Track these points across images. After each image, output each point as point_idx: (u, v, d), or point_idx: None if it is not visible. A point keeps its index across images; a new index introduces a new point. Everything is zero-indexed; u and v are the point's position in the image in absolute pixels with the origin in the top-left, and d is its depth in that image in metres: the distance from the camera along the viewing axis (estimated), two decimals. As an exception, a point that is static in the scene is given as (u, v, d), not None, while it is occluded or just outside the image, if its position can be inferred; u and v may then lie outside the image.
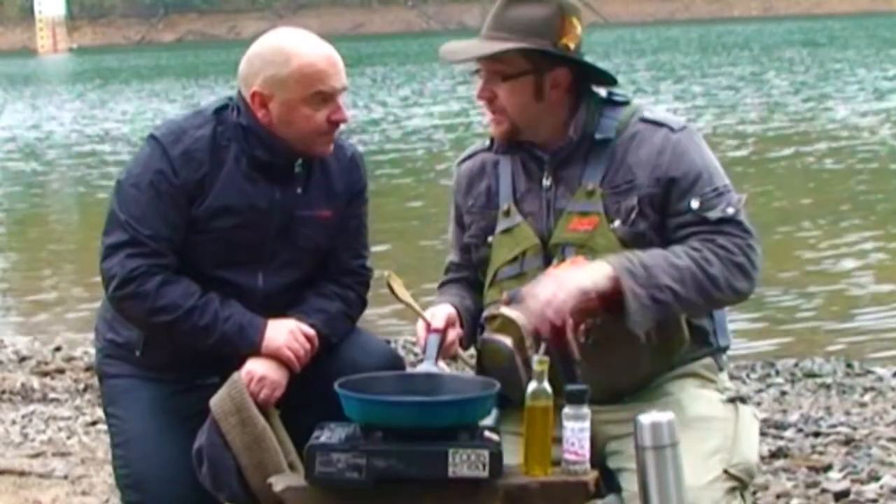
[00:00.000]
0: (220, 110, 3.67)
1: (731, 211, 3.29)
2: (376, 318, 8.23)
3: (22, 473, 5.64)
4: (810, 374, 7.52)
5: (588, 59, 3.42)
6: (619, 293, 3.17)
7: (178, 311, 3.55)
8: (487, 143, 3.53)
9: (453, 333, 3.41)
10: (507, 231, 3.44)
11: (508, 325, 3.28)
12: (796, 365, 7.67)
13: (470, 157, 3.61)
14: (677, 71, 36.89)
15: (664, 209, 3.33)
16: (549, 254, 3.37)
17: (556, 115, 3.40)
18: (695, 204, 3.30)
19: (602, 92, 3.45)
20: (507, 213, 3.45)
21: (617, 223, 3.33)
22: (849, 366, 7.71)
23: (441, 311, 3.43)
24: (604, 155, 3.37)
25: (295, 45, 3.58)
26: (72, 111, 32.85)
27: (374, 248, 3.89)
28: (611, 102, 3.43)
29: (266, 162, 3.62)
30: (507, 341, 3.27)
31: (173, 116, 3.80)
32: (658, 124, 3.38)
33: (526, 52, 3.34)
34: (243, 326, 3.58)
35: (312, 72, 3.55)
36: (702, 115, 23.12)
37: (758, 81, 31.00)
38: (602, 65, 3.47)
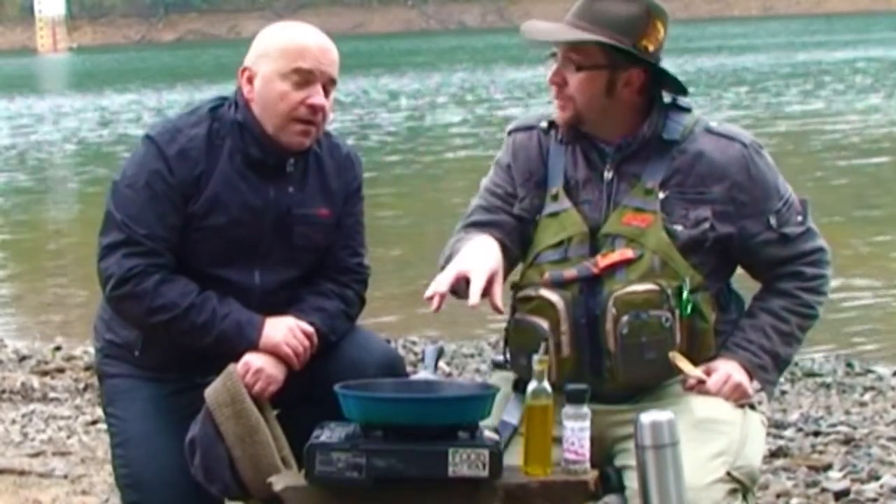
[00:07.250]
0: (216, 108, 3.67)
1: (800, 220, 3.46)
2: (376, 317, 8.22)
3: (22, 473, 5.64)
4: (810, 374, 7.52)
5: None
6: None
7: (175, 309, 3.55)
8: (545, 124, 3.50)
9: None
10: (553, 215, 3.42)
11: (546, 308, 3.34)
12: (796, 364, 7.65)
13: (525, 129, 3.55)
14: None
15: (738, 223, 3.40)
16: (598, 244, 3.37)
17: (623, 113, 3.41)
18: (773, 221, 3.43)
19: (667, 97, 3.46)
20: (556, 198, 3.43)
21: (679, 227, 3.35)
22: (849, 365, 7.72)
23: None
24: (666, 156, 3.39)
25: (293, 28, 3.63)
26: (71, 111, 32.82)
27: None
28: (675, 107, 3.45)
29: (259, 160, 3.62)
30: (544, 324, 3.33)
31: (169, 116, 3.80)
32: (728, 138, 3.42)
33: (604, 46, 3.35)
34: (241, 324, 3.58)
35: (296, 47, 3.57)
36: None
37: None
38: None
